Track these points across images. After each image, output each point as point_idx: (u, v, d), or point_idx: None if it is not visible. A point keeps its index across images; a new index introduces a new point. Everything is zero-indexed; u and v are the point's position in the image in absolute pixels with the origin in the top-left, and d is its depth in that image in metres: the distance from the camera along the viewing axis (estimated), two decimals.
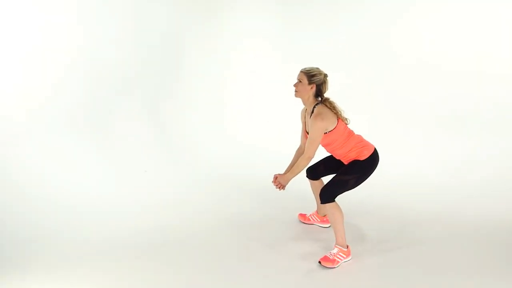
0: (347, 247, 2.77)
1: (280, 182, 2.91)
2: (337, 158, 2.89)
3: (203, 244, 3.03)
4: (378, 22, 4.69)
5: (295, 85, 2.81)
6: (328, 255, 2.72)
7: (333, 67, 4.93)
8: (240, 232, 3.22)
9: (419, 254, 2.82)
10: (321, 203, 2.75)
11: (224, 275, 2.62)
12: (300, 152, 3.06)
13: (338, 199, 2.78)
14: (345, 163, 2.86)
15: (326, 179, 2.95)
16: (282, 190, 2.95)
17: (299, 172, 2.82)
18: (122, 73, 4.44)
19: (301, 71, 2.79)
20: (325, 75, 2.79)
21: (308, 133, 2.86)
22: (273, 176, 2.97)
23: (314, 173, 3.11)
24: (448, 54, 4.37)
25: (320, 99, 2.81)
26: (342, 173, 2.80)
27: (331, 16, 4.97)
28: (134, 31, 4.50)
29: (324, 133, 2.73)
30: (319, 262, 2.70)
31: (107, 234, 3.15)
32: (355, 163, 2.79)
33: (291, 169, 2.87)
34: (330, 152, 2.91)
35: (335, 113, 2.75)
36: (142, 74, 4.65)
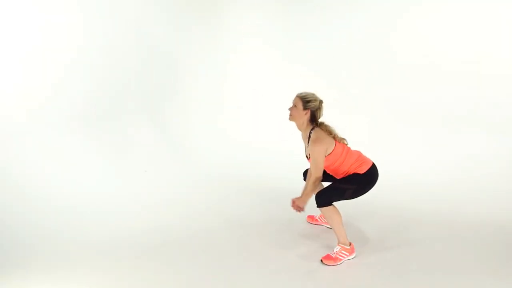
0: (350, 244, 2.79)
1: (298, 205, 2.87)
2: (338, 177, 2.89)
3: (203, 244, 3.03)
4: (378, 22, 4.69)
5: (289, 109, 2.83)
6: (330, 253, 2.76)
7: (333, 67, 4.97)
8: (240, 232, 3.23)
9: (419, 254, 2.82)
10: (317, 206, 2.76)
11: (224, 275, 2.62)
12: (310, 174, 3.02)
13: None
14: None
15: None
16: (301, 212, 2.91)
17: (313, 193, 2.83)
18: (122, 73, 4.44)
19: (296, 96, 2.81)
20: (321, 101, 2.80)
21: (308, 157, 2.89)
22: (291, 201, 2.93)
23: None
24: (448, 54, 4.38)
25: (315, 123, 2.82)
26: (342, 181, 2.81)
27: (331, 16, 4.97)
28: (134, 31, 4.50)
29: (326, 156, 2.75)
30: (321, 260, 2.72)
31: (107, 234, 3.15)
32: (355, 175, 2.80)
33: (305, 192, 2.88)
34: (331, 173, 2.91)
35: (332, 137, 2.77)
36: (142, 74, 4.65)
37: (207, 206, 3.74)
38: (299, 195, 3.58)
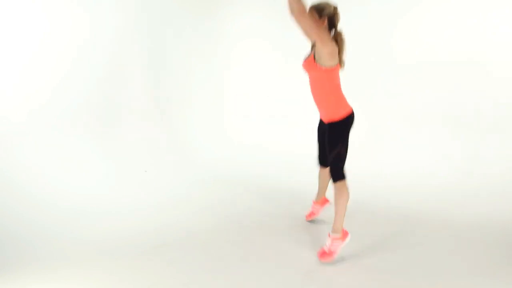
0: (342, 230, 2.77)
1: None
2: (315, 101, 2.81)
3: (203, 244, 3.03)
4: (378, 21, 4.69)
5: None
6: (324, 248, 2.75)
7: None
8: (240, 232, 3.23)
9: (419, 254, 2.82)
10: (334, 182, 2.75)
11: (224, 274, 2.62)
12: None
13: None
14: (321, 111, 2.82)
15: None
16: None
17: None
18: (122, 73, 4.45)
19: (310, 7, 2.67)
20: (335, 7, 2.71)
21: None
22: None
23: (325, 159, 3.06)
24: (449, 54, 4.37)
25: (334, 31, 2.71)
26: (330, 150, 2.75)
27: None
28: (134, 31, 4.50)
29: (321, 67, 2.62)
30: (319, 259, 2.73)
31: (107, 234, 3.16)
32: (331, 131, 2.74)
33: None
34: (312, 92, 2.81)
35: (340, 56, 2.67)
36: (142, 74, 4.65)
37: (207, 206, 3.75)
38: (299, 196, 3.59)
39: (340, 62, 2.70)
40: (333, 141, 2.76)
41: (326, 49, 2.57)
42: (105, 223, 3.34)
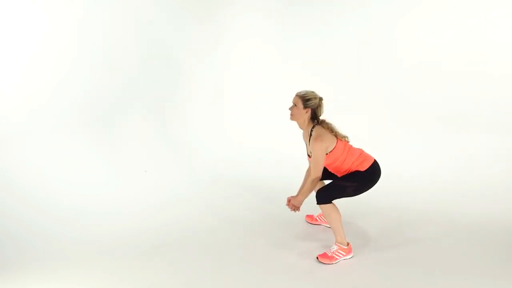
0: (348, 244, 2.78)
1: (293, 204, 2.92)
2: (340, 175, 2.89)
3: (203, 244, 3.03)
4: (378, 22, 4.69)
5: (290, 109, 2.83)
6: (327, 252, 2.76)
7: (333, 66, 4.97)
8: (240, 232, 3.23)
9: (418, 254, 2.82)
10: (317, 203, 2.76)
11: (224, 275, 2.62)
12: (309, 173, 3.05)
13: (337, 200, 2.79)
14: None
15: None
16: (296, 211, 2.95)
17: (310, 193, 2.84)
18: (122, 73, 4.44)
19: (296, 95, 2.81)
20: (321, 99, 2.80)
21: (309, 155, 2.89)
22: (286, 199, 2.99)
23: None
24: (448, 54, 4.37)
25: (316, 121, 2.82)
26: (343, 179, 2.81)
27: (331, 16, 4.97)
28: (134, 31, 4.50)
29: (326, 154, 2.74)
30: (317, 258, 2.74)
31: (107, 234, 3.16)
32: (356, 172, 2.80)
33: (302, 191, 2.87)
34: (333, 171, 2.91)
35: (333, 134, 2.77)
36: (142, 74, 4.65)
37: (207, 206, 3.75)
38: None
39: (341, 138, 2.79)
40: (350, 178, 2.79)
41: (326, 147, 2.71)
42: (105, 223, 3.34)
